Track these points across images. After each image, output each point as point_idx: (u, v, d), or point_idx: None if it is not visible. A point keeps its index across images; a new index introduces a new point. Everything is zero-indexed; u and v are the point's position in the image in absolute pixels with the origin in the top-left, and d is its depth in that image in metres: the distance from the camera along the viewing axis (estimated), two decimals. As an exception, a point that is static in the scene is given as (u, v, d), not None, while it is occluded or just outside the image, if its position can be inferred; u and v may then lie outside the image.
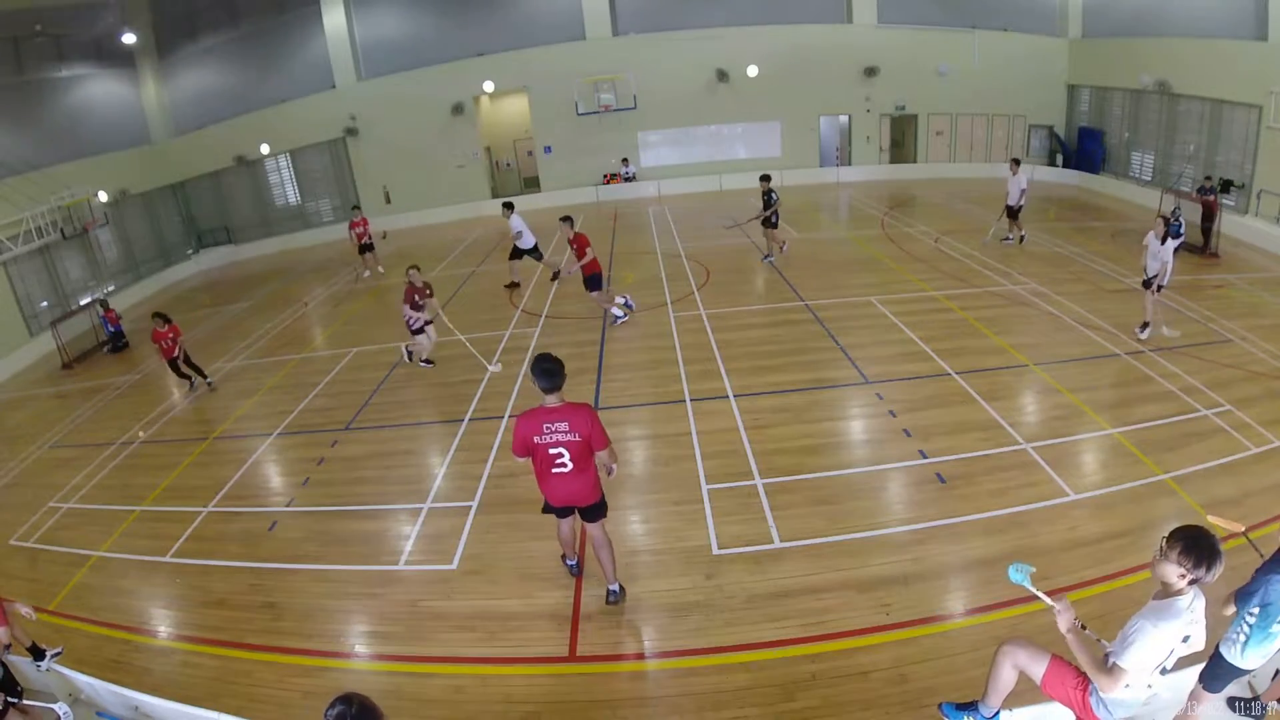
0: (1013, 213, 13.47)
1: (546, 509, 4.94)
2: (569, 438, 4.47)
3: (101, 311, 14.26)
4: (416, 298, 9.59)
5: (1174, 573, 2.73)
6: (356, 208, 17.24)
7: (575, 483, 4.67)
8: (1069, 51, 20.13)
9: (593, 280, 10.64)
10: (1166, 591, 2.83)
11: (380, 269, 16.20)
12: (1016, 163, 13.29)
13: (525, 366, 9.75)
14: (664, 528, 6.04)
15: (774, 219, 12.97)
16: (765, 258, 13.55)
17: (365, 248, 15.91)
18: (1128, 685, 2.89)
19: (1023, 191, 13.14)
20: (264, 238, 22.27)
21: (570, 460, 4.53)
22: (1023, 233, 13.72)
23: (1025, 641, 3.31)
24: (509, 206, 12.75)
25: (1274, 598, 3.08)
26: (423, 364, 10.19)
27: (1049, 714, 3.36)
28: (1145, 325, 9.04)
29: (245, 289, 17.37)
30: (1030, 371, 8.27)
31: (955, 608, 4.91)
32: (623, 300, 11.08)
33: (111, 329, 14.03)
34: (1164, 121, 16.90)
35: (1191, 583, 2.74)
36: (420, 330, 9.86)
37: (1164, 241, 8.78)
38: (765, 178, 12.93)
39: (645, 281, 13.17)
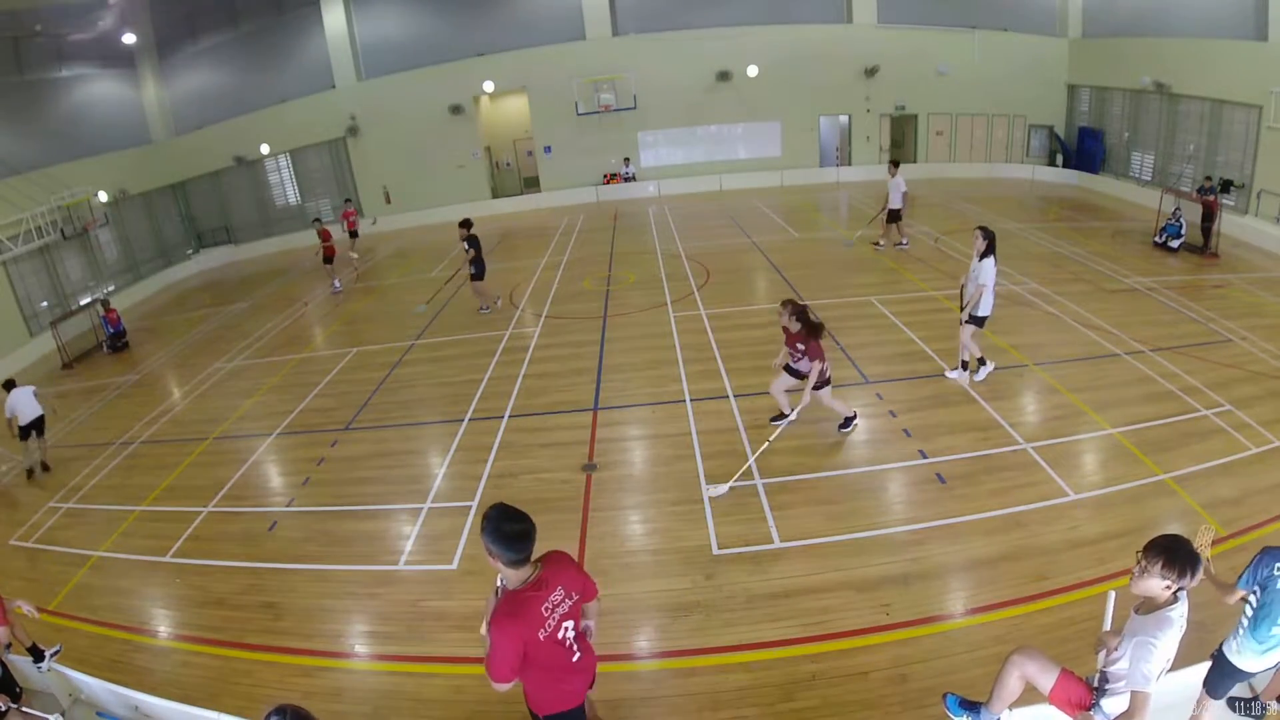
0: (894, 216, 13.33)
1: None
2: (571, 602, 3.03)
3: (102, 312, 14.27)
4: (799, 347, 6.66)
5: (1159, 586, 2.76)
6: (348, 200, 19.66)
7: (589, 659, 3.25)
8: (1069, 51, 20.12)
9: (329, 259, 14.94)
10: (1152, 605, 2.85)
11: (354, 254, 17.63)
12: (895, 165, 13.11)
13: (521, 380, 9.74)
14: (664, 528, 6.04)
15: (475, 269, 11.69)
16: (482, 309, 12.22)
17: (353, 234, 17.95)
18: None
19: (904, 195, 12.95)
20: (264, 238, 22.27)
21: (575, 630, 3.10)
22: (904, 240, 13.61)
23: (1035, 653, 3.29)
24: (7, 387, 8.97)
25: (1264, 571, 3.11)
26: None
27: (1049, 714, 3.36)
28: (963, 366, 7.97)
29: (245, 289, 17.37)
30: (1030, 371, 8.27)
31: (955, 608, 4.91)
32: (338, 282, 15.27)
33: (112, 329, 14.04)
34: (1164, 121, 16.89)
35: (1176, 591, 2.78)
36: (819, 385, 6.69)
37: (982, 258, 7.35)
38: (465, 223, 11.62)
39: (645, 281, 13.17)
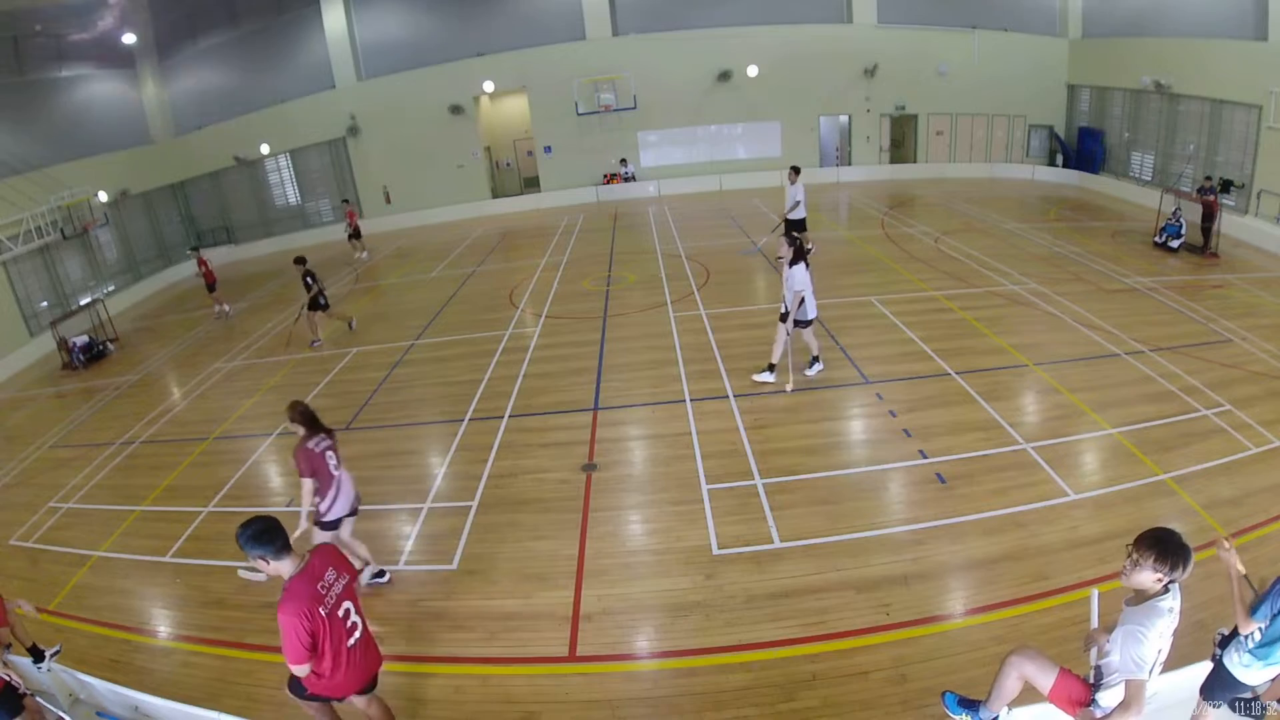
0: (793, 226, 12.75)
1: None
2: (344, 582, 3.46)
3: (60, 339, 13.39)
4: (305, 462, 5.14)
5: (1150, 578, 2.78)
6: (346, 201, 20.37)
7: (372, 656, 3.66)
8: (1069, 51, 20.13)
9: (211, 286, 14.89)
10: (1143, 597, 2.85)
11: (365, 254, 18.33)
12: (795, 171, 12.68)
13: (521, 379, 9.74)
14: (664, 528, 6.04)
15: (321, 300, 11.82)
16: (313, 343, 11.91)
17: (354, 234, 18.36)
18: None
19: (798, 203, 12.48)
20: (264, 237, 22.28)
21: (356, 612, 3.51)
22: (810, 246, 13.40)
23: (1034, 653, 3.29)
24: None
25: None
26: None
27: (1050, 714, 3.36)
28: (770, 368, 8.20)
29: (245, 289, 17.36)
30: (1030, 371, 8.27)
31: (955, 608, 4.91)
32: (227, 309, 15.06)
33: (81, 349, 13.44)
34: (1164, 121, 16.90)
35: (1168, 584, 2.78)
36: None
37: (793, 264, 7.49)
38: (300, 260, 11.78)
39: (645, 281, 13.17)
